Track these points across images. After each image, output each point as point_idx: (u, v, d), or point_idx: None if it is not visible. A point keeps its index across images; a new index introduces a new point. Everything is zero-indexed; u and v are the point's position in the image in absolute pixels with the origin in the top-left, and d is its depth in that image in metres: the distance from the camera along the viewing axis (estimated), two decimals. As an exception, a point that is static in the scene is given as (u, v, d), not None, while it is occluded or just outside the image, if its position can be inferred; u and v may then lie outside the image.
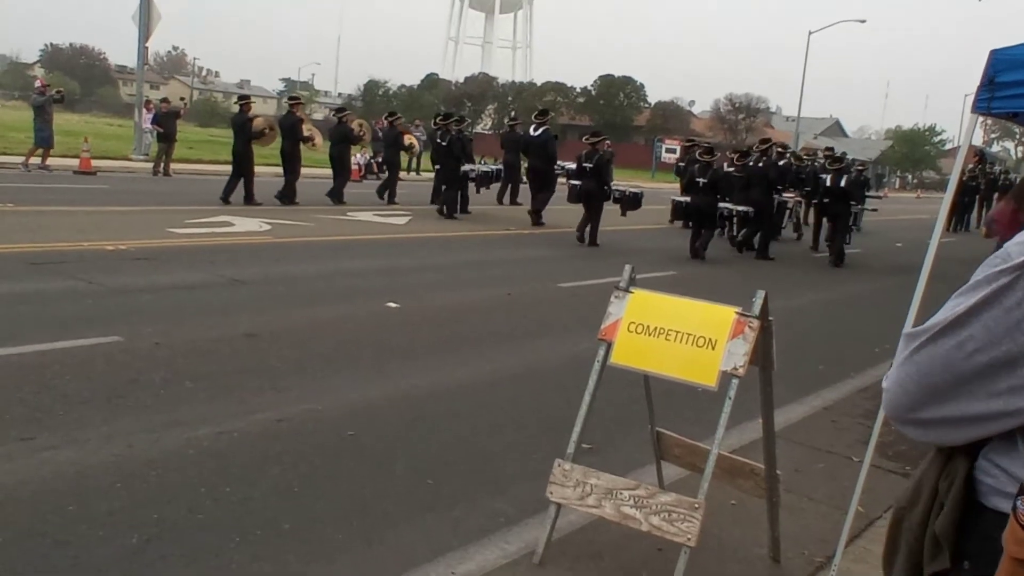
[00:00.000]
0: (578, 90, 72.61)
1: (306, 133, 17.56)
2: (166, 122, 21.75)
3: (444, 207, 17.58)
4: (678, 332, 3.12)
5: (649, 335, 3.17)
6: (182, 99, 37.57)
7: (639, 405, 3.87)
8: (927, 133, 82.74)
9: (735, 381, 2.92)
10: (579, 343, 7.07)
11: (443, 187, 18.11)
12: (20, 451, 4.25)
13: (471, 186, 18.93)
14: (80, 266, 8.75)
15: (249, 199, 16.05)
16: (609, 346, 3.20)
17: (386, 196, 19.41)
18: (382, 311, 8.15)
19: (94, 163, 20.43)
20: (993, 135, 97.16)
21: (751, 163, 16.71)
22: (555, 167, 18.09)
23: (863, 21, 50.64)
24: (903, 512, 1.49)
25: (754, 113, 71.82)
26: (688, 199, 15.37)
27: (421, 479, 4.41)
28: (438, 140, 18.26)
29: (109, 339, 6.26)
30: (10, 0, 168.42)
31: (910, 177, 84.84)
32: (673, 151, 45.64)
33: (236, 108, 17.87)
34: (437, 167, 18.51)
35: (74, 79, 75.57)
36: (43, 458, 4.19)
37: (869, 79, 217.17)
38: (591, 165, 15.10)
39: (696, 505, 2.97)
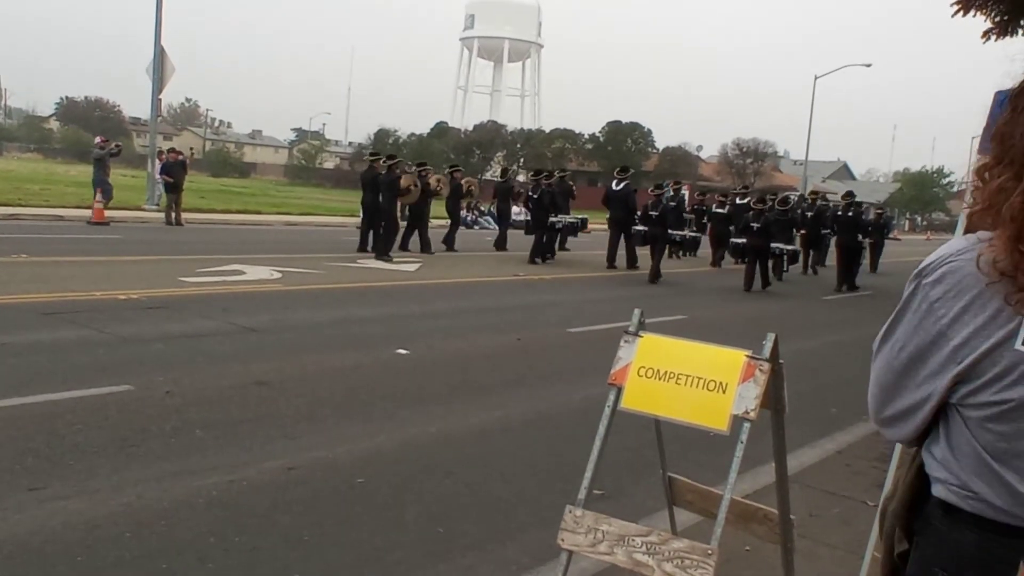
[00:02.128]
0: (586, 136, 73.16)
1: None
2: (174, 172, 22.04)
3: (541, 255, 19.17)
4: (688, 376, 3.10)
5: (659, 379, 3.16)
6: (191, 149, 38.16)
7: (650, 450, 3.84)
8: (935, 175, 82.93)
9: (747, 425, 2.89)
10: (589, 388, 7.06)
11: (533, 235, 20.08)
12: (30, 501, 4.24)
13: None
14: (92, 315, 8.81)
15: (394, 247, 17.82)
16: (619, 391, 3.19)
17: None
18: (392, 358, 8.16)
19: (107, 213, 20.68)
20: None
21: (840, 212, 19.72)
22: (634, 217, 19.33)
23: (868, 65, 50.38)
24: (887, 503, 1.72)
25: (761, 157, 72.20)
26: (744, 240, 17.95)
27: (432, 527, 4.38)
28: (530, 193, 20.19)
29: (121, 388, 6.28)
30: (26, 55, 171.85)
31: (919, 219, 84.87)
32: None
33: (384, 170, 18.66)
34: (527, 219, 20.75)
35: (89, 131, 76.49)
36: (53, 508, 4.18)
37: (876, 122, 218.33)
38: (656, 213, 17.38)
39: (709, 551, 2.93)
